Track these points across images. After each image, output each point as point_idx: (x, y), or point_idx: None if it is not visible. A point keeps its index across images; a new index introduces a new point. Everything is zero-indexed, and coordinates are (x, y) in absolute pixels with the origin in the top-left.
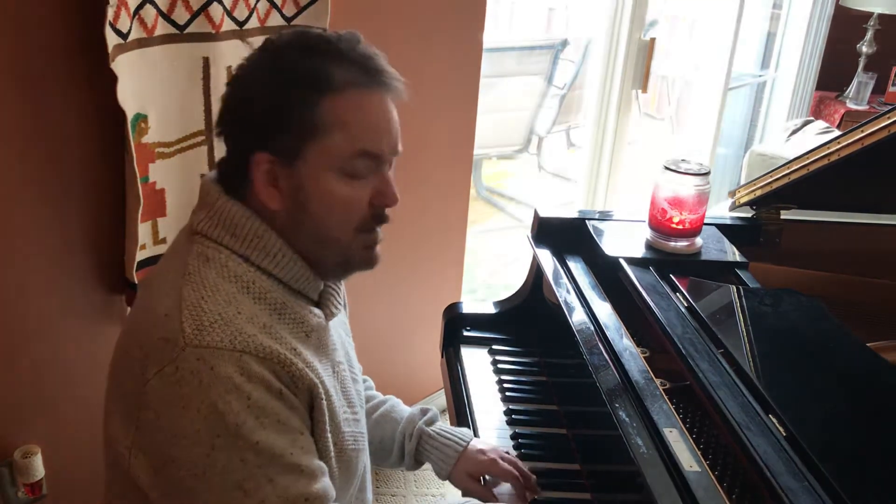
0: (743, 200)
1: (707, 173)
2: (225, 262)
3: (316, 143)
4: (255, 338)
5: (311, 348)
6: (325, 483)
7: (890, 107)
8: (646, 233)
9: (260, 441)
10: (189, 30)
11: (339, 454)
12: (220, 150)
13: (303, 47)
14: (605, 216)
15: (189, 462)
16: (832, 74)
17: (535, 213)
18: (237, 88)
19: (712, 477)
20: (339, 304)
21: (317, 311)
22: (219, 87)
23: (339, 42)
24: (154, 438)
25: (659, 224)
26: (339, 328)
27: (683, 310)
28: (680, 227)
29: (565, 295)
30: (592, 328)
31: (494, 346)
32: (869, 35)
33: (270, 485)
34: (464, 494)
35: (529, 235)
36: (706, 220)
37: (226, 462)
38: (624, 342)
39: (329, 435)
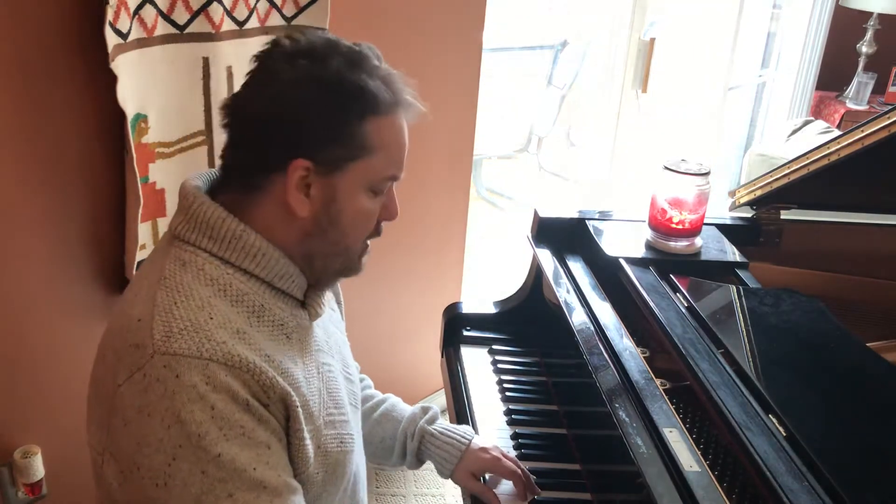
0: (743, 200)
1: (707, 173)
2: (202, 265)
3: (362, 161)
4: (224, 345)
5: (293, 351)
6: (292, 502)
7: (890, 107)
8: (646, 233)
9: (222, 454)
10: (189, 30)
11: (324, 457)
12: (220, 149)
13: (345, 60)
14: (605, 216)
15: (152, 471)
16: (832, 74)
17: (535, 213)
18: (278, 92)
19: (712, 477)
20: (324, 303)
21: (298, 312)
22: (219, 87)
23: (371, 58)
24: (122, 445)
25: (659, 224)
26: (331, 326)
27: (683, 310)
28: (680, 227)
29: (565, 295)
30: (592, 328)
31: (494, 346)
32: (869, 35)
33: (230, 500)
34: (464, 492)
35: (529, 235)
36: (706, 220)
37: (187, 473)
38: (624, 342)
39: (308, 441)
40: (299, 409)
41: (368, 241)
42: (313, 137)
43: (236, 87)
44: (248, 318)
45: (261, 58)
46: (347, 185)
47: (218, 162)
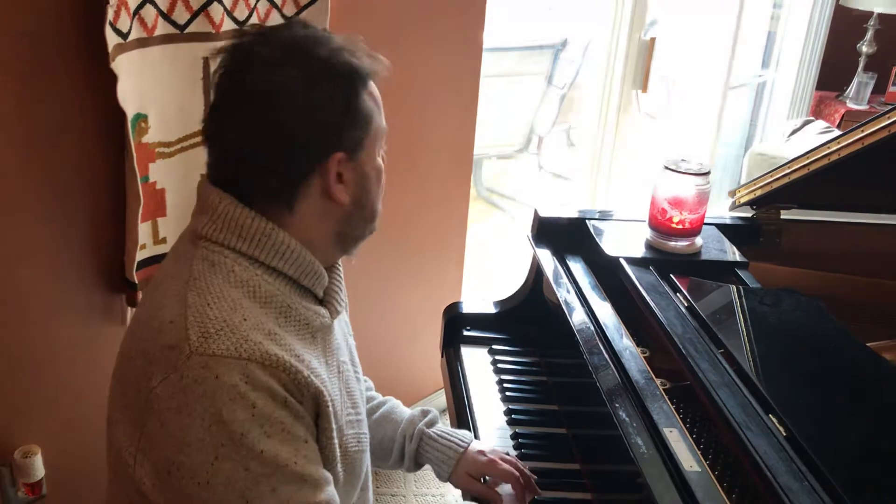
0: (743, 200)
1: (707, 173)
2: (231, 266)
3: (370, 132)
4: (260, 345)
5: (318, 350)
6: (329, 492)
7: (890, 107)
8: (646, 233)
9: (264, 450)
10: (189, 30)
11: (344, 457)
12: None
13: (323, 46)
14: (605, 216)
15: (193, 470)
16: (832, 74)
17: (535, 213)
18: (283, 108)
19: (712, 477)
20: (344, 300)
21: (321, 310)
22: None
23: (335, 36)
24: (159, 446)
25: (659, 224)
26: (343, 327)
27: (683, 310)
28: (680, 227)
29: (565, 295)
30: (592, 328)
31: (494, 346)
32: (869, 35)
33: (273, 494)
34: (464, 495)
35: (529, 235)
36: (706, 220)
37: (230, 471)
38: (624, 342)
39: (335, 440)
40: (329, 408)
41: None
42: (336, 129)
43: None
44: (277, 318)
45: (237, 77)
46: (368, 157)
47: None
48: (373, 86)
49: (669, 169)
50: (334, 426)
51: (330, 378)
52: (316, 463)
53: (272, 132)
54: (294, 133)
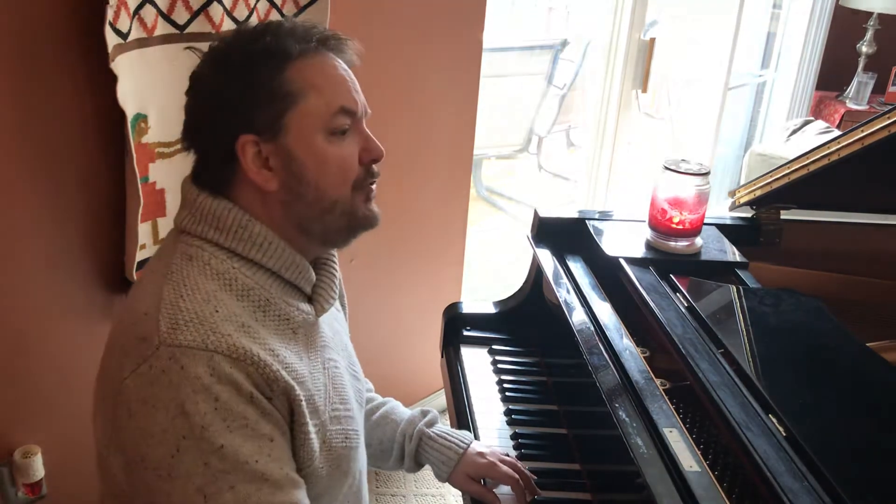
0: (743, 200)
1: (707, 173)
2: (208, 259)
3: (295, 109)
4: (229, 338)
5: (298, 346)
6: (295, 495)
7: (890, 107)
8: (646, 233)
9: (225, 445)
10: (189, 30)
11: (328, 452)
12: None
13: (249, 35)
14: (605, 216)
15: (155, 462)
16: (832, 74)
17: (535, 213)
18: (200, 91)
19: (712, 477)
20: (333, 297)
21: (304, 306)
22: None
23: (281, 23)
24: (126, 437)
25: (659, 224)
26: (336, 324)
27: (683, 310)
28: (680, 227)
29: (565, 295)
30: (592, 328)
31: (494, 346)
32: (869, 35)
33: (232, 492)
34: (464, 496)
35: (529, 235)
36: (706, 220)
37: (189, 465)
38: (624, 342)
39: (314, 436)
40: (303, 404)
41: (373, 186)
42: (241, 110)
43: None
44: (254, 312)
45: (191, 77)
46: (297, 139)
47: None
48: (311, 64)
49: (669, 169)
50: (311, 422)
51: (312, 374)
52: (281, 463)
53: (189, 119)
54: (202, 117)
